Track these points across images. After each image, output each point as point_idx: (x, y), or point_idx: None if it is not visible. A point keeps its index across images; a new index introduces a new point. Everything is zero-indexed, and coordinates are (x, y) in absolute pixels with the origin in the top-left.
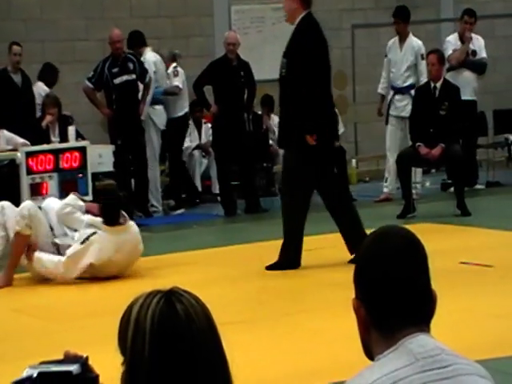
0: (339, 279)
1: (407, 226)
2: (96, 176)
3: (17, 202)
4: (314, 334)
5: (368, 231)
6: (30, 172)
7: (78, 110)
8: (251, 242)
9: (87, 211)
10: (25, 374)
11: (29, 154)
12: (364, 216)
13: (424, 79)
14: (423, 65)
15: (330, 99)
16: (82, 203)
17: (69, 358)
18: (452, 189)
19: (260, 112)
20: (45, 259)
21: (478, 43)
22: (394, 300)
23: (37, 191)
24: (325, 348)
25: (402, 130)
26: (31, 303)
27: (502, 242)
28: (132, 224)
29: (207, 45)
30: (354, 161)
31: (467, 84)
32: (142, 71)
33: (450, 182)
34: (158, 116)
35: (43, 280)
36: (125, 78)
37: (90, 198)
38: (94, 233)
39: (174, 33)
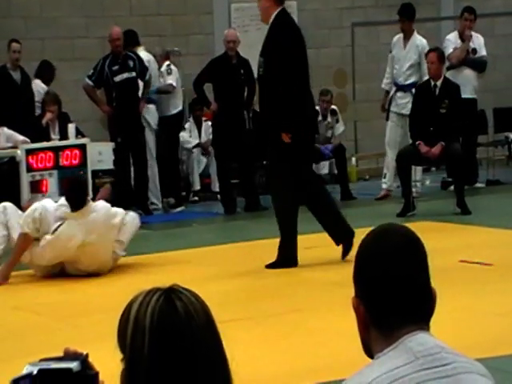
0: (338, 277)
1: (407, 225)
2: (96, 173)
3: (17, 200)
4: (313, 332)
5: (368, 229)
6: (29, 169)
7: (77, 107)
8: (251, 239)
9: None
10: (25, 371)
11: (29, 152)
12: (364, 214)
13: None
14: None
15: (308, 97)
16: None
17: (69, 355)
18: (452, 187)
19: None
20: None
21: (477, 41)
22: (393, 298)
23: (37, 189)
24: (324, 346)
25: (403, 127)
26: (31, 301)
27: (502, 241)
28: (97, 203)
29: (207, 43)
30: (353, 159)
31: (467, 82)
32: (142, 69)
33: (450, 180)
34: (151, 115)
35: (43, 278)
36: (125, 75)
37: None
38: (62, 224)
39: (174, 31)
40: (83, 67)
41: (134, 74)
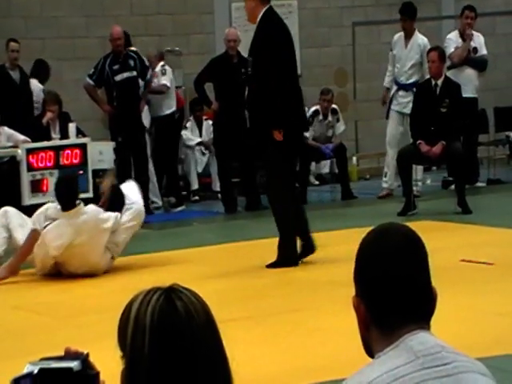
0: (339, 277)
1: (408, 224)
2: (96, 173)
3: (17, 199)
4: (313, 331)
5: (368, 229)
6: (30, 169)
7: (78, 107)
8: (251, 239)
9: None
10: (25, 370)
11: (29, 151)
12: (364, 213)
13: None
14: None
15: (297, 94)
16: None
17: (69, 355)
18: (453, 186)
19: None
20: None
21: (478, 40)
22: (394, 298)
23: (37, 188)
24: (325, 345)
25: (403, 126)
26: (31, 300)
27: (502, 240)
28: (89, 206)
29: (208, 42)
30: (354, 158)
31: (468, 81)
32: (142, 68)
33: (450, 179)
34: (145, 116)
35: (43, 277)
36: (125, 75)
37: (90, 195)
38: (50, 223)
39: (175, 30)
40: (84, 67)
41: (134, 73)
